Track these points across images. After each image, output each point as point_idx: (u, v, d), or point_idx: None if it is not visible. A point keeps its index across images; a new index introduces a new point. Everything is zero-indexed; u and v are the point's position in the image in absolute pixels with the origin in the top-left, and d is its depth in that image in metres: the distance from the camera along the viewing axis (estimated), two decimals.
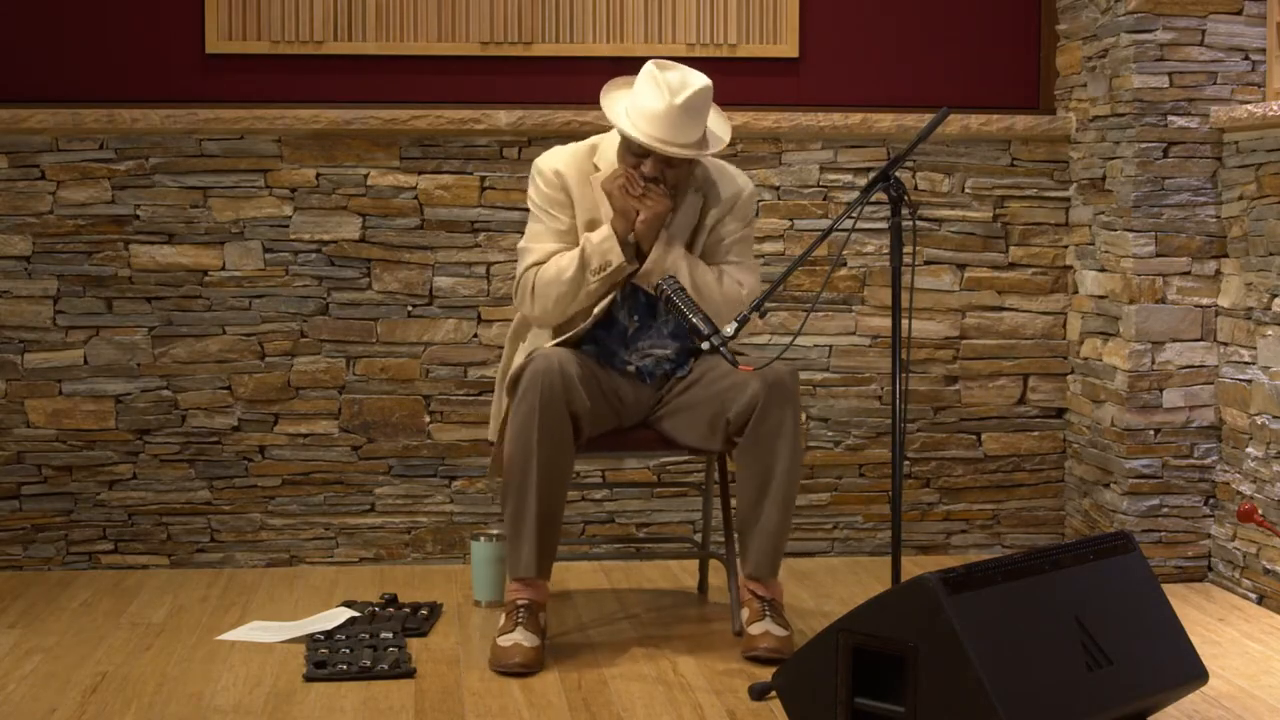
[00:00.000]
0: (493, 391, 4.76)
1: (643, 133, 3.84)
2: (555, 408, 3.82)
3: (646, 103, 3.84)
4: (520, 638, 3.80)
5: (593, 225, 3.98)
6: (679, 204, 3.98)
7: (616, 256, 3.89)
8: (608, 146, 4.02)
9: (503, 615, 3.89)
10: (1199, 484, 4.64)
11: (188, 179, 4.77)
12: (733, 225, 4.04)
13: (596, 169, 4.00)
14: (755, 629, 3.88)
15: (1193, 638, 3.35)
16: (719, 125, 3.98)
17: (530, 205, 4.06)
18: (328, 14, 4.81)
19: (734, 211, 4.04)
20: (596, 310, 3.96)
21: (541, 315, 3.99)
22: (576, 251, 3.93)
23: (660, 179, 3.89)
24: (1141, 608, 3.27)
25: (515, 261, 4.80)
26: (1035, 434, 5.04)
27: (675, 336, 4.04)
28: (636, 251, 3.93)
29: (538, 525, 3.85)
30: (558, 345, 3.97)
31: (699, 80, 3.86)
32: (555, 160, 4.03)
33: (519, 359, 4.03)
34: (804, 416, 4.95)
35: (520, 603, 3.86)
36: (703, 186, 4.03)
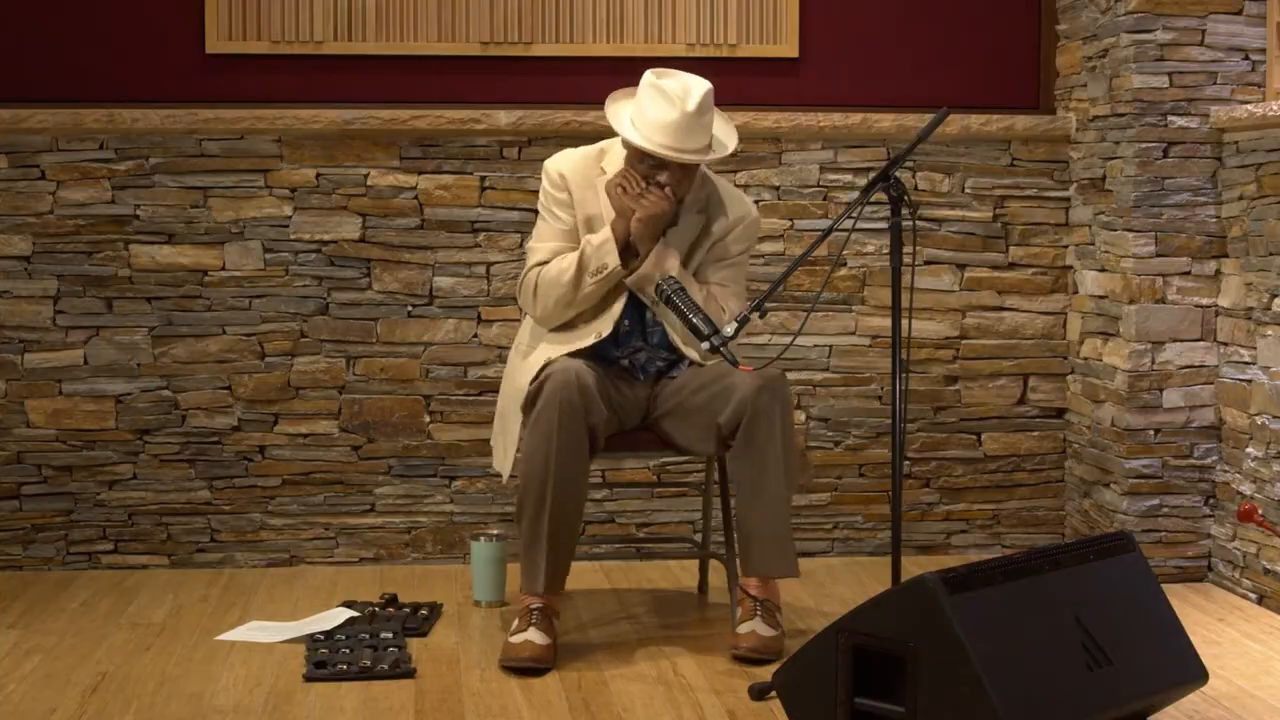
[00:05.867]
0: (493, 392, 4.77)
1: (657, 144, 3.88)
2: (574, 422, 3.83)
3: (656, 114, 3.88)
4: (532, 635, 3.81)
5: (591, 225, 4.00)
6: (681, 219, 4.00)
7: (613, 260, 3.92)
8: (615, 151, 4.05)
9: (516, 617, 3.90)
10: (1199, 484, 4.64)
11: (188, 179, 4.77)
12: (736, 246, 4.08)
13: (603, 172, 4.03)
14: (743, 628, 3.90)
15: (1193, 638, 3.35)
16: (723, 130, 4.03)
17: (539, 205, 4.09)
18: (328, 14, 4.81)
19: (738, 231, 4.08)
20: (615, 312, 3.98)
21: (543, 315, 4.01)
22: (576, 254, 3.95)
23: (667, 183, 3.92)
24: (1141, 608, 3.27)
25: (515, 261, 4.82)
26: (1035, 434, 5.04)
27: (662, 344, 4.05)
28: (635, 255, 3.95)
29: (554, 542, 3.87)
30: (568, 354, 3.98)
31: (700, 84, 3.92)
32: (561, 163, 4.07)
33: (524, 370, 4.02)
34: (804, 416, 4.95)
35: (534, 606, 3.88)
36: (708, 207, 4.06)
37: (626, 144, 3.97)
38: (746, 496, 3.92)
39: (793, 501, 3.98)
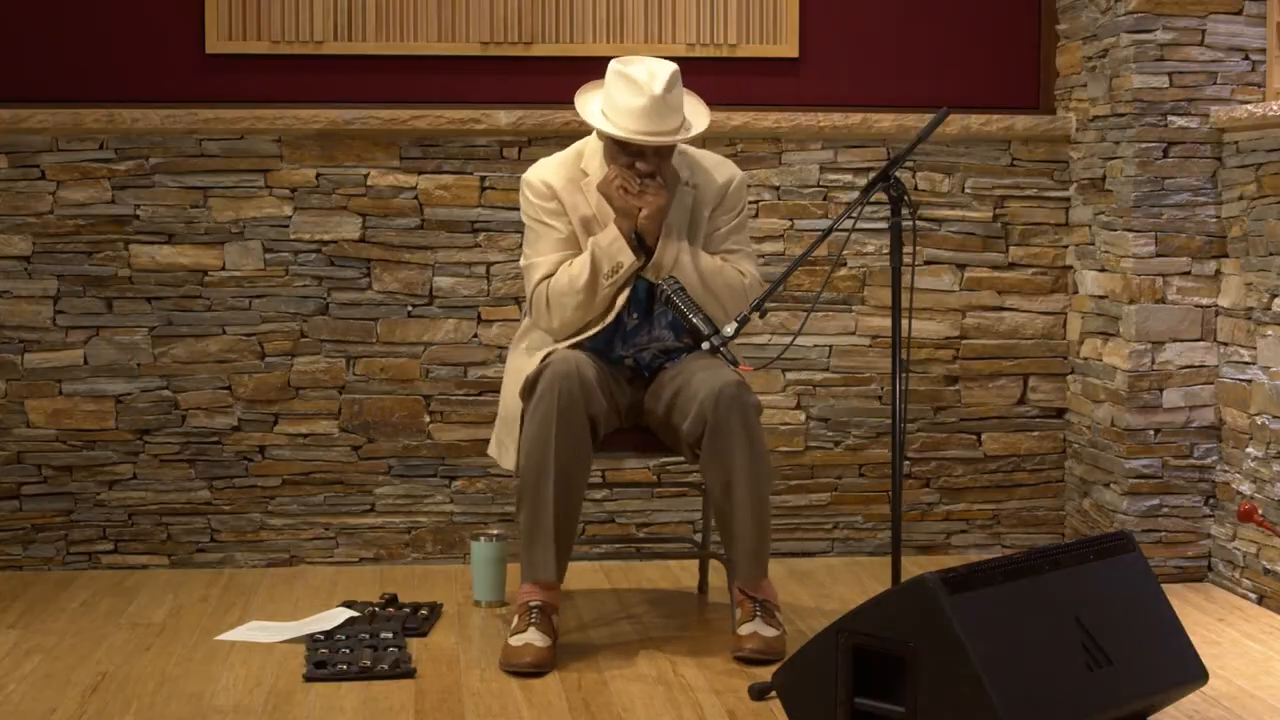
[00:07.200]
0: (493, 392, 4.77)
1: (629, 130, 3.88)
2: (574, 411, 3.83)
3: (625, 101, 3.88)
4: (532, 637, 3.81)
5: (588, 227, 4.00)
6: (671, 196, 4.00)
7: (627, 257, 3.93)
8: (592, 151, 4.05)
9: (515, 616, 3.89)
10: (1199, 484, 4.64)
11: (188, 179, 4.77)
12: (727, 215, 4.08)
13: (585, 174, 4.03)
14: (744, 630, 3.90)
15: (1193, 638, 3.35)
16: (694, 108, 4.03)
17: (525, 220, 4.09)
18: (328, 14, 4.81)
19: (726, 200, 4.09)
20: (618, 305, 3.97)
21: (560, 326, 4.00)
22: (586, 258, 3.95)
23: (656, 172, 3.92)
24: (1141, 608, 3.27)
25: (515, 261, 4.82)
26: (1035, 434, 5.04)
27: (672, 329, 4.05)
28: (641, 246, 3.95)
29: (555, 530, 3.86)
30: (570, 346, 3.98)
31: (665, 66, 3.93)
32: (542, 172, 4.06)
33: (524, 362, 4.03)
34: (804, 416, 4.95)
35: (533, 604, 3.87)
36: (693, 179, 4.06)
37: (601, 136, 3.98)
38: (718, 506, 3.94)
39: (771, 502, 3.97)
